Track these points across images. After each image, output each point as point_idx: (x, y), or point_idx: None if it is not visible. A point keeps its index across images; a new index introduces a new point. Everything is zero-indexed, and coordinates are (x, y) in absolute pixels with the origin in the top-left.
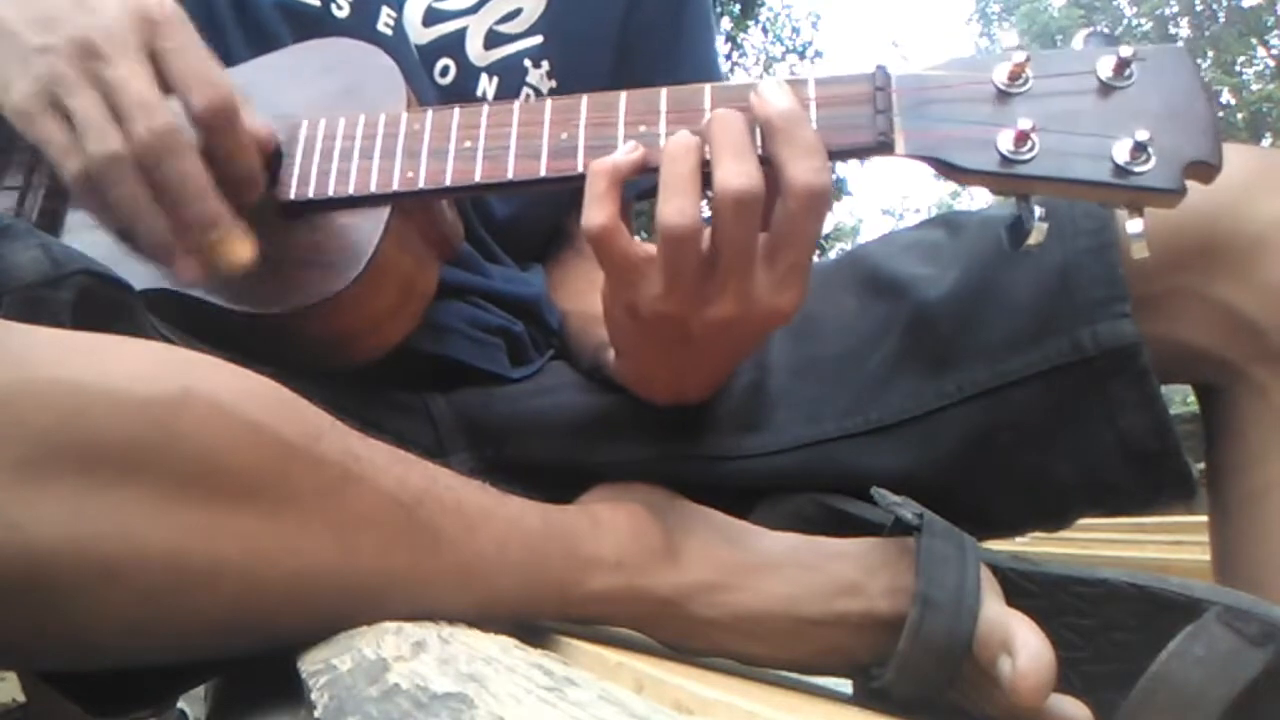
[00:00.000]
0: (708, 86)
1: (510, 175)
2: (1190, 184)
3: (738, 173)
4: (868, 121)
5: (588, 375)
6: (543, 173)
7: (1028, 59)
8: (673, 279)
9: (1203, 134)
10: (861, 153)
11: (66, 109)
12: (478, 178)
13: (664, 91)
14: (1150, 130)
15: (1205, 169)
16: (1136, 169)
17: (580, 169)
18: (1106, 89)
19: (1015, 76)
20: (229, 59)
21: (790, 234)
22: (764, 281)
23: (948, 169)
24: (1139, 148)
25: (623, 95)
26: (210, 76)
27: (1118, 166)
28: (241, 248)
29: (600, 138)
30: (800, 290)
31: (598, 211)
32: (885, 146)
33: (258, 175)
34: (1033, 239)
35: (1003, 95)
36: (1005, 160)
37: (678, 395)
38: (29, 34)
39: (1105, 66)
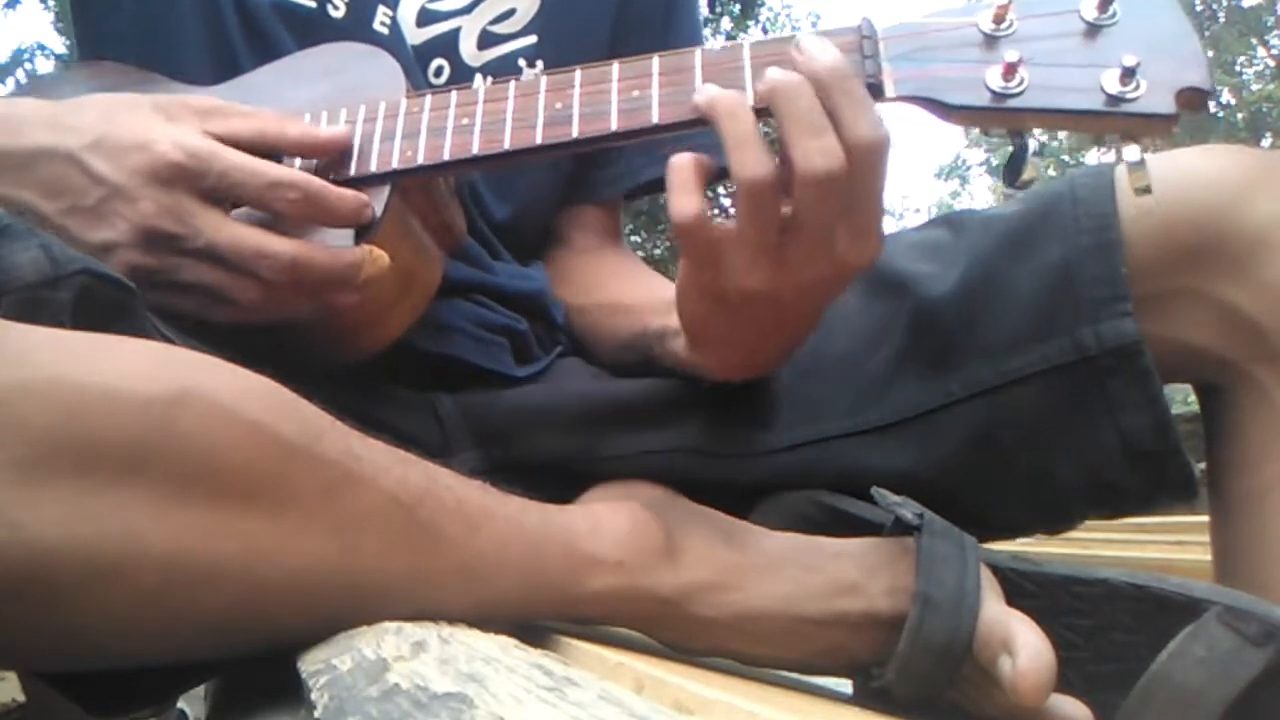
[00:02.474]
0: (697, 50)
1: (507, 145)
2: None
3: (821, 150)
4: (856, 67)
5: (611, 367)
6: (539, 140)
7: (1010, 2)
8: (757, 243)
9: (1192, 62)
10: None
11: (181, 284)
12: (475, 149)
13: (655, 58)
14: (1139, 57)
15: (1197, 95)
16: (1128, 96)
17: (575, 134)
18: (1092, 28)
19: (999, 20)
20: (234, 60)
21: (861, 191)
22: (843, 239)
23: (938, 108)
24: (1128, 74)
25: (615, 64)
26: (268, 177)
27: (1109, 96)
28: (379, 261)
29: (594, 104)
30: (878, 237)
31: (688, 200)
32: (875, 90)
33: (365, 205)
34: (1028, 173)
35: (988, 39)
36: (995, 96)
37: (760, 369)
38: (82, 229)
39: (1089, 5)
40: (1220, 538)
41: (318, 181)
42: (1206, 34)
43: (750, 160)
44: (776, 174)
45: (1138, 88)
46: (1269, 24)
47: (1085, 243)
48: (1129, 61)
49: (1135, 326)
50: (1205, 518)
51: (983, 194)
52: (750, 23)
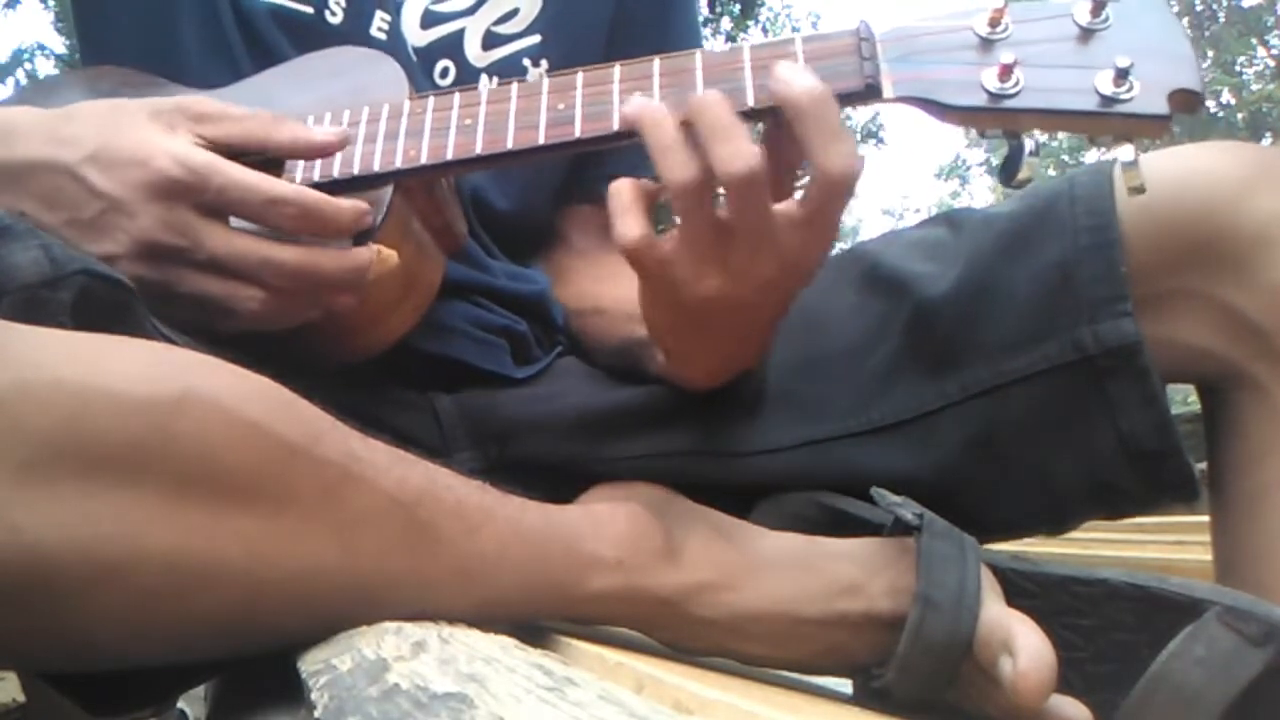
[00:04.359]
0: (698, 52)
1: (510, 145)
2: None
3: (733, 154)
4: (855, 69)
5: (607, 370)
6: (541, 140)
7: (1005, 6)
8: (697, 246)
9: (1184, 64)
10: (852, 99)
11: (185, 295)
12: (479, 149)
13: (656, 60)
14: (1131, 59)
15: (1189, 97)
16: (1122, 96)
17: (578, 134)
18: (1085, 32)
19: (994, 23)
20: (234, 66)
21: (823, 209)
22: (798, 242)
23: (937, 108)
24: (1121, 75)
25: (617, 66)
26: (265, 193)
27: (1103, 97)
28: (388, 261)
29: (596, 103)
30: (831, 239)
31: (631, 223)
32: (874, 90)
33: (364, 214)
34: (1024, 173)
35: (984, 42)
36: (992, 96)
37: (737, 369)
38: (82, 241)
39: (1082, 10)
40: (1220, 538)
41: (314, 196)
42: (1206, 34)
43: (676, 164)
44: (704, 176)
45: (1131, 89)
46: (1269, 24)
47: (1084, 242)
48: (1122, 63)
49: (1135, 326)
50: (1205, 518)
51: (983, 194)
52: (750, 23)
